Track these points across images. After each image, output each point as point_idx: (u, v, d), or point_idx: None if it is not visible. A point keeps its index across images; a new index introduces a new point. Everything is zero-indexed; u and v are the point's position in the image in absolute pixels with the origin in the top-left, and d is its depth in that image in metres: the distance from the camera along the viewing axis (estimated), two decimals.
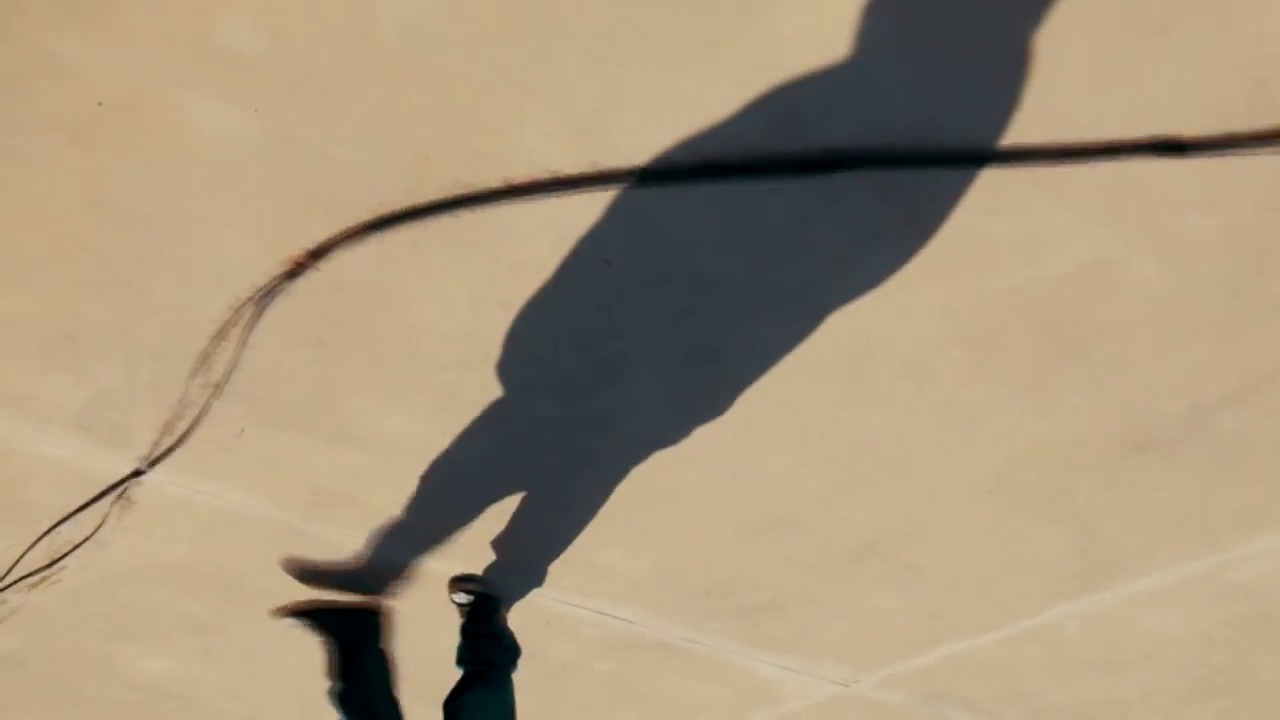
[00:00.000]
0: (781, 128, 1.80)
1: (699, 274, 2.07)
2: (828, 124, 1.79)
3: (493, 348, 2.24)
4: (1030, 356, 2.38)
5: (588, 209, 1.92)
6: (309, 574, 2.96)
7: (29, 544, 2.87)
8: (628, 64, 1.73)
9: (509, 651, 2.93)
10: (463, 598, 3.02)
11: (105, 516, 2.78)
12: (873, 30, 1.67)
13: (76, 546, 2.92)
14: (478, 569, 3.04)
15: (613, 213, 1.92)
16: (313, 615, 2.94)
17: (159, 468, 2.59)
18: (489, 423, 2.50)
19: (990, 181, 1.94)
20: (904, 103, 1.76)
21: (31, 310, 2.13)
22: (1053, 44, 1.71)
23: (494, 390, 2.37)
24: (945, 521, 2.93)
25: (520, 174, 1.88)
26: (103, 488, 2.68)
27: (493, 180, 1.90)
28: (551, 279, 2.06)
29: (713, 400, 2.46)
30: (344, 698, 2.83)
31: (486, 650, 2.90)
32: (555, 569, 3.10)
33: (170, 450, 2.53)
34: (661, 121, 1.79)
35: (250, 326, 2.16)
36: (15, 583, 3.03)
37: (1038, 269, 2.13)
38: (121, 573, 3.06)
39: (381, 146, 1.83)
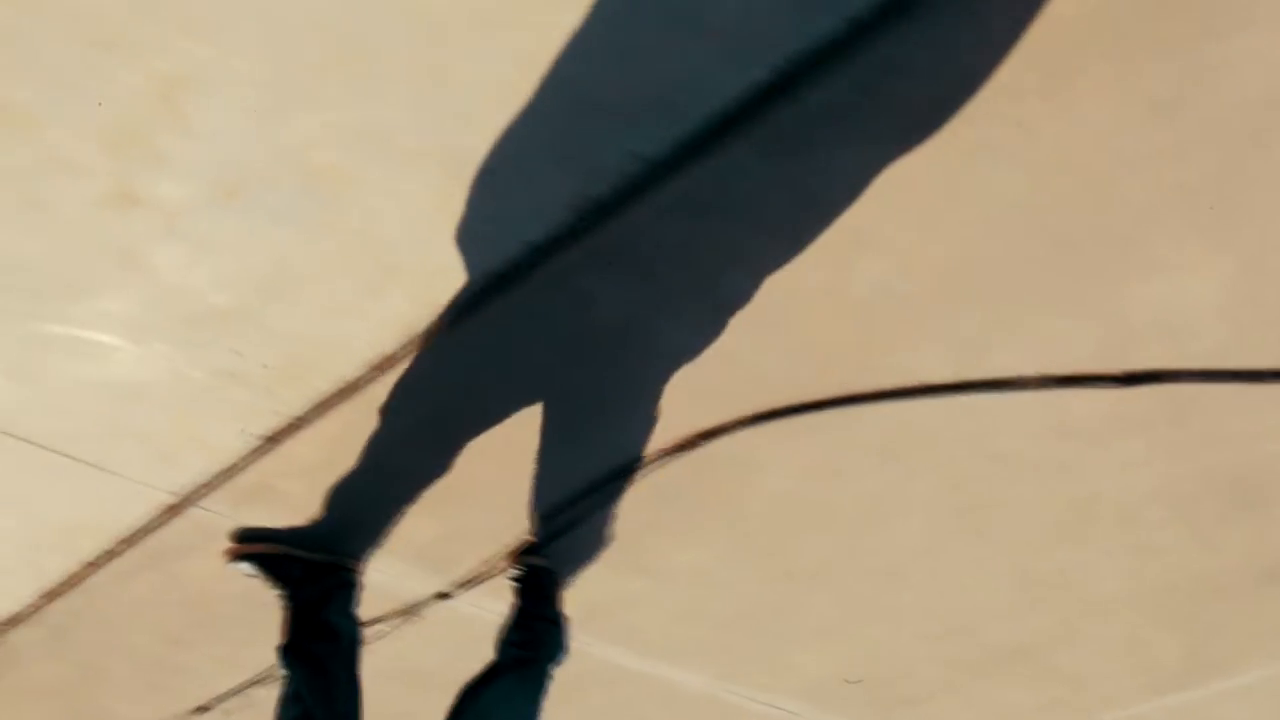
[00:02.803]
0: (1117, 351, 2.30)
1: (997, 450, 2.56)
2: (1157, 353, 2.29)
3: (807, 508, 2.68)
4: (1218, 507, 2.92)
5: (942, 411, 2.39)
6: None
7: None
8: (1014, 302, 2.20)
9: (558, 648, 2.60)
10: (517, 570, 2.70)
11: (390, 628, 3.10)
12: (1210, 287, 2.19)
13: None
14: (688, 673, 3.43)
15: (965, 415, 2.39)
16: (272, 562, 2.51)
17: (467, 592, 2.93)
18: (763, 556, 2.93)
19: (1254, 391, 2.47)
20: (1221, 336, 2.27)
21: (435, 469, 2.48)
22: None
23: (787, 536, 2.80)
24: (1096, 633, 3.45)
25: (895, 383, 2.34)
26: (400, 605, 3.00)
27: (868, 386, 2.34)
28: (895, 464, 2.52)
29: (957, 542, 2.94)
30: (294, 652, 2.43)
31: (540, 634, 2.58)
32: (750, 668, 3.52)
33: (483, 579, 2.88)
34: (1028, 348, 2.27)
35: (618, 491, 2.55)
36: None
37: (1263, 448, 2.67)
38: (367, 674, 3.37)
39: (794, 353, 2.26)
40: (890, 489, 2.66)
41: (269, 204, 1.83)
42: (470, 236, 1.90)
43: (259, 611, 2.99)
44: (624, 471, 2.49)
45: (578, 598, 3.00)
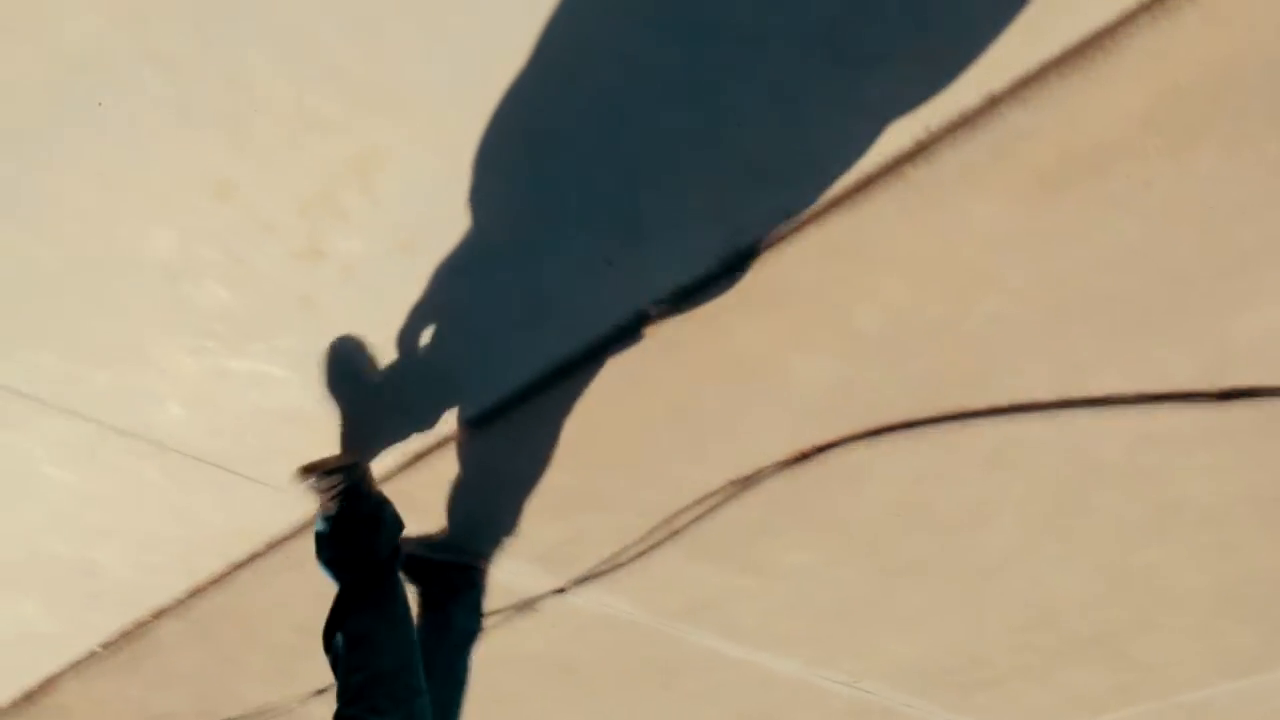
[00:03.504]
0: (1215, 373, 2.45)
1: (1092, 460, 2.71)
2: (1251, 372, 2.44)
3: (909, 512, 2.85)
4: None
5: (1043, 425, 2.54)
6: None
7: None
8: (1119, 331, 2.35)
9: (389, 537, 2.30)
10: (326, 484, 2.28)
11: (504, 619, 3.31)
12: None
13: None
14: (782, 659, 3.62)
15: (1065, 428, 2.54)
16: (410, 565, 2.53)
17: (580, 586, 3.12)
18: (863, 556, 3.10)
19: None
20: None
21: (566, 480, 2.67)
22: None
23: (888, 537, 2.97)
24: (1172, 623, 3.61)
25: (1001, 401, 2.49)
26: (516, 599, 3.21)
27: (979, 404, 2.50)
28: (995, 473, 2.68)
29: (1046, 542, 3.09)
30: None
31: (363, 538, 2.25)
32: (840, 655, 3.71)
33: (598, 574, 3.07)
34: (1130, 370, 2.42)
35: (733, 496, 2.72)
36: None
37: None
38: (480, 661, 3.59)
39: (909, 377, 2.42)
40: (988, 495, 2.83)
41: (439, 256, 2.00)
42: (623, 281, 2.07)
43: None
44: (742, 481, 2.66)
45: (686, 595, 3.19)
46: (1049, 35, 1.71)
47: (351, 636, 2.13)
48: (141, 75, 1.68)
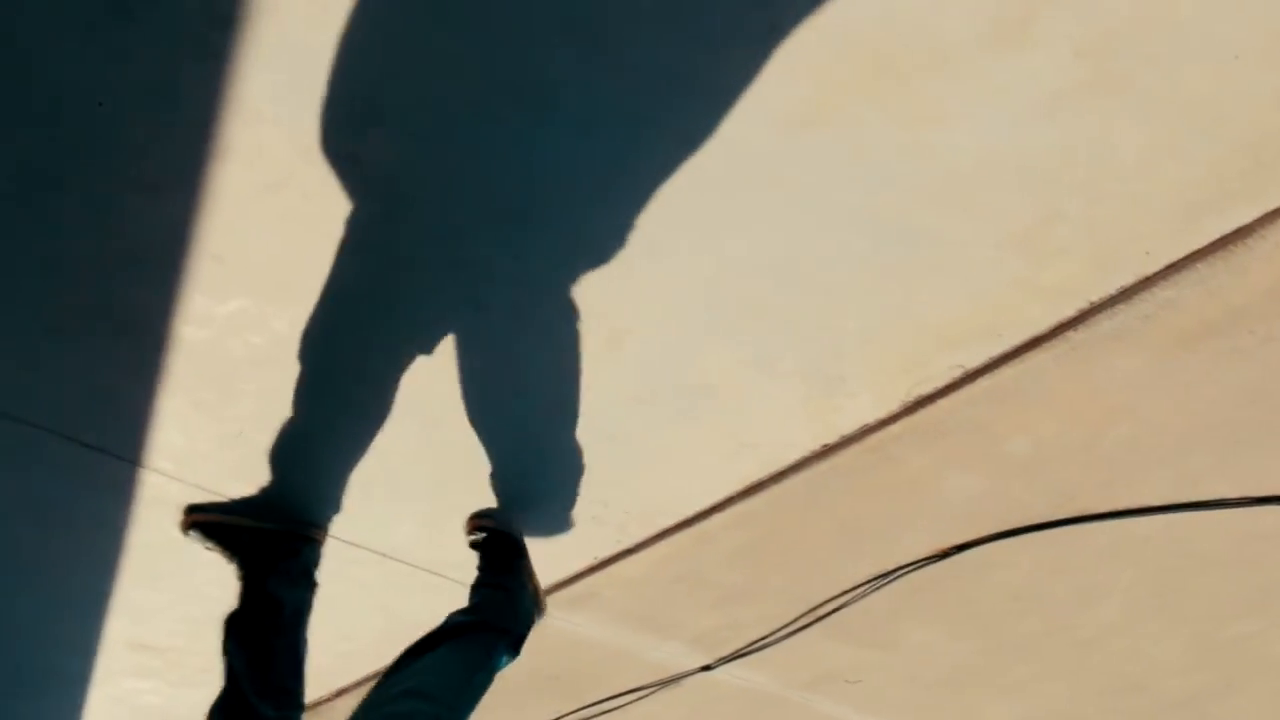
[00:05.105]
0: None
1: (1197, 550, 3.05)
2: None
3: (1028, 596, 3.19)
4: None
5: (1155, 523, 2.89)
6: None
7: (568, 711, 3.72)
8: (1232, 446, 2.70)
9: (517, 620, 2.40)
10: (476, 537, 2.55)
11: (648, 694, 3.65)
12: None
13: (605, 712, 3.78)
14: None
15: (1175, 525, 2.88)
16: (219, 531, 2.45)
17: (726, 665, 3.46)
18: (981, 635, 3.44)
19: None
20: None
21: (735, 579, 3.02)
22: None
23: (1005, 618, 3.31)
24: (1255, 686, 3.94)
25: (1119, 505, 2.85)
26: (666, 676, 3.55)
27: (1104, 507, 2.85)
28: (1109, 563, 3.02)
29: (1147, 619, 3.43)
30: (232, 624, 2.34)
31: (487, 602, 2.40)
32: (944, 717, 4.03)
33: (742, 654, 3.42)
34: (1238, 478, 2.77)
35: (875, 588, 3.07)
36: None
37: None
38: None
39: (1047, 489, 2.77)
40: (1098, 582, 3.17)
41: (671, 409, 2.36)
42: (816, 421, 2.43)
43: (545, 685, 3.56)
44: (885, 575, 3.01)
45: (816, 668, 3.53)
46: (1198, 230, 2.07)
47: (422, 664, 2.21)
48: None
